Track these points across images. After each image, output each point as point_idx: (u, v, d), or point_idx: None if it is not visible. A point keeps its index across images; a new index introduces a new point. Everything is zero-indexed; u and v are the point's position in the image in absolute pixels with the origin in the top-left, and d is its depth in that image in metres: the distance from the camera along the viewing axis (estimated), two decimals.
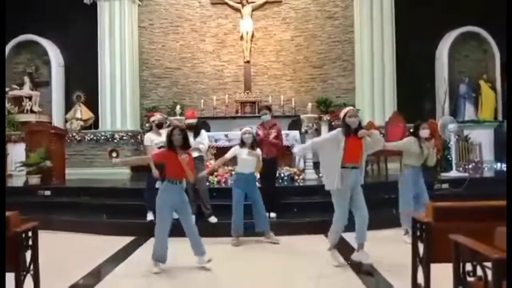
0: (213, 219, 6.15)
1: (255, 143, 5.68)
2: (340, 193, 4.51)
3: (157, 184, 5.30)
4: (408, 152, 5.48)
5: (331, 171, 4.48)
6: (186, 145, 4.59)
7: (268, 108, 6.79)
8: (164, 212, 4.56)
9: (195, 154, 5.78)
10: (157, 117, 6.66)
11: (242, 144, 5.62)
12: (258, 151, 5.65)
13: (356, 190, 4.56)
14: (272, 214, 6.17)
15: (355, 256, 4.60)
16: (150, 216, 6.33)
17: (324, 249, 4.81)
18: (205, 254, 4.61)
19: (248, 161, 5.56)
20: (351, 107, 4.67)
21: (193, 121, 6.42)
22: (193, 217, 5.49)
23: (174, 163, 4.48)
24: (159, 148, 6.38)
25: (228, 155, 5.67)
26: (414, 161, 5.49)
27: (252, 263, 4.92)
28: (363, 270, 4.37)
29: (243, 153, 5.57)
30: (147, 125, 6.97)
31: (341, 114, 4.56)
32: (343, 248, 5.06)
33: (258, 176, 5.98)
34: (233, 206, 5.62)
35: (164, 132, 6.58)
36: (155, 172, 6.27)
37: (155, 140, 6.42)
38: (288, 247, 5.49)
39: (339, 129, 4.53)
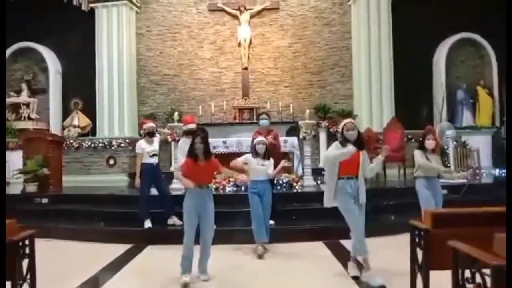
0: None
1: (268, 152, 5.56)
2: (342, 202, 4.42)
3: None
4: (417, 163, 5.41)
5: (329, 185, 4.43)
6: (207, 153, 4.48)
7: (267, 114, 6.78)
8: (189, 217, 4.44)
9: None
10: (147, 125, 6.67)
11: (256, 154, 5.51)
12: (271, 160, 5.57)
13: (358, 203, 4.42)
14: (271, 222, 6.14)
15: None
16: (147, 224, 6.32)
17: (322, 255, 4.79)
18: (207, 271, 4.54)
19: (260, 171, 5.48)
20: (349, 120, 4.52)
21: (192, 126, 6.39)
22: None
23: (194, 169, 4.45)
24: (151, 156, 6.39)
25: (241, 159, 5.54)
26: (424, 172, 5.39)
27: (250, 269, 4.89)
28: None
29: (254, 163, 5.48)
30: (141, 132, 6.99)
31: (340, 128, 4.49)
32: (342, 255, 5.05)
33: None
34: (252, 213, 5.50)
35: (155, 140, 6.58)
36: (137, 181, 6.30)
37: (146, 148, 6.42)
38: (287, 254, 5.46)
39: (337, 142, 4.43)
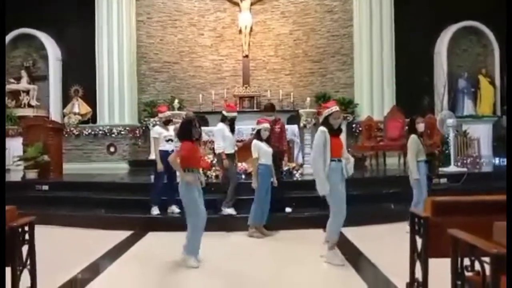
0: (226, 211, 6.13)
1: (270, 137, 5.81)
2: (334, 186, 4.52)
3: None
4: (418, 149, 5.61)
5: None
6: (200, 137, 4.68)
7: (273, 107, 6.70)
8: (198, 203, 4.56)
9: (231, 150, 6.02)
10: (165, 114, 6.68)
11: (260, 138, 5.72)
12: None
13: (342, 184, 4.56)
14: (288, 209, 6.23)
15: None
16: (155, 211, 6.32)
17: (321, 242, 4.80)
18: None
19: (269, 153, 5.73)
20: (338, 109, 4.62)
21: (234, 114, 6.38)
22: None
23: (196, 153, 4.61)
24: (167, 141, 6.39)
25: (254, 153, 5.69)
26: (421, 156, 5.64)
27: (247, 256, 4.92)
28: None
29: (264, 147, 5.69)
30: (156, 118, 6.96)
31: (326, 113, 4.59)
32: (342, 244, 5.08)
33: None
34: (261, 196, 5.66)
35: (171, 128, 6.59)
36: (160, 166, 6.26)
37: (163, 133, 6.45)
38: (287, 242, 5.49)
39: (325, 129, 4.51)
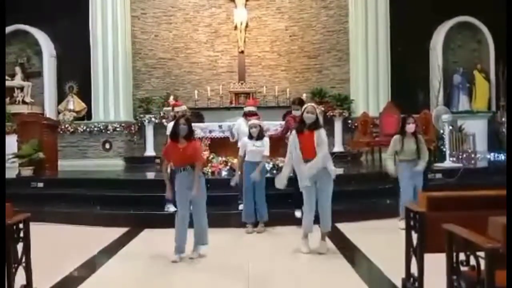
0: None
1: (262, 133, 5.81)
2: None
3: None
4: (398, 149, 5.71)
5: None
6: (190, 134, 4.61)
7: (301, 101, 6.39)
8: (179, 199, 4.62)
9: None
10: (180, 108, 6.62)
11: (250, 136, 5.77)
12: (265, 140, 5.77)
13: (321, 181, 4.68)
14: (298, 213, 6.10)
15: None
16: (172, 208, 6.30)
17: (317, 238, 4.82)
18: (203, 246, 4.69)
19: (255, 152, 5.71)
20: (311, 104, 4.82)
21: (250, 108, 6.41)
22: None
23: (176, 152, 4.57)
24: None
25: (241, 151, 5.84)
26: (403, 156, 5.68)
27: (242, 253, 4.92)
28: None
29: (250, 145, 5.73)
30: (171, 113, 6.88)
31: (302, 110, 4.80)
32: (338, 239, 5.10)
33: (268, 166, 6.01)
34: (243, 193, 5.82)
35: None
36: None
37: None
38: (282, 237, 5.50)
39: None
